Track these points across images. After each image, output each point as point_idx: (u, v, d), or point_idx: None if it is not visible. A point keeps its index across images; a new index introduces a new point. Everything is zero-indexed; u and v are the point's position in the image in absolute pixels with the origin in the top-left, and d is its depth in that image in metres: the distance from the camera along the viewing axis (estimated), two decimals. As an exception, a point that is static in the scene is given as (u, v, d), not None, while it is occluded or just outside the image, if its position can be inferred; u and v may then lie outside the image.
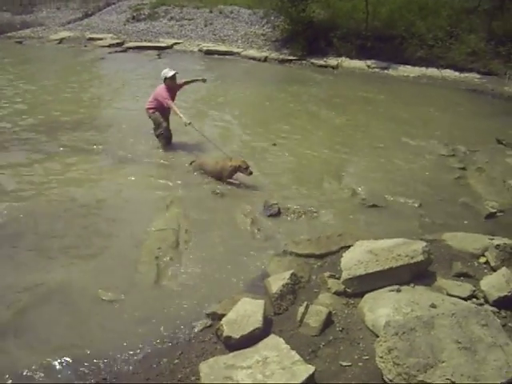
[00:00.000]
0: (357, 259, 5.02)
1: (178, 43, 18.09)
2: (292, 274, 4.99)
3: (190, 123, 7.99)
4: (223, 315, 4.49)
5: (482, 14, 15.94)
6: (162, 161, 8.27)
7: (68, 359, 4.07)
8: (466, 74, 15.00)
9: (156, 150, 8.59)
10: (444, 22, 16.32)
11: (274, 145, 9.05)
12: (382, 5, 17.14)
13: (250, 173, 7.33)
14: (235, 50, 17.14)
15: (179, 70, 14.50)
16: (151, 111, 8.53)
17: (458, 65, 15.34)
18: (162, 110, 8.47)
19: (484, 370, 3.57)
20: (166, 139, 8.60)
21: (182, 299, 4.92)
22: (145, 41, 18.51)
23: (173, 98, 8.47)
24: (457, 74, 15.07)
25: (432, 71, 15.30)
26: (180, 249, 5.79)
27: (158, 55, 16.82)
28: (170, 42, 18.16)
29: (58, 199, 6.79)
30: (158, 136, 8.63)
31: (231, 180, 7.47)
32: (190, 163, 7.89)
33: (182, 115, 8.05)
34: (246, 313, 4.38)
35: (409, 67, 15.51)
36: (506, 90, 13.93)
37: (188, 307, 4.81)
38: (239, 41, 17.89)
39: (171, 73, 8.46)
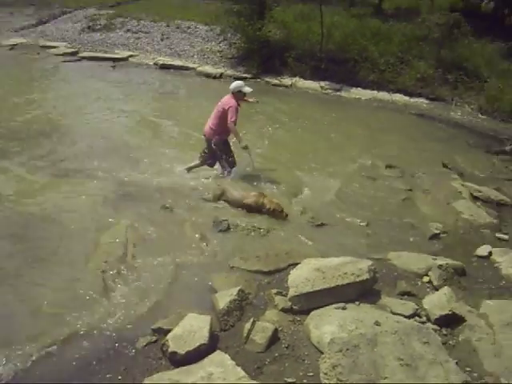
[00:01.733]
0: (304, 277, 5.08)
1: (134, 55, 17.93)
2: (239, 291, 5.00)
3: (246, 146, 7.95)
4: (169, 330, 4.45)
5: (431, 42, 16.48)
6: (113, 176, 8.09)
7: None
8: (415, 99, 15.43)
9: (107, 164, 8.45)
10: (395, 48, 16.79)
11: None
12: (337, 28, 17.50)
13: (286, 215, 7.14)
14: (191, 65, 17.09)
15: (133, 82, 14.67)
16: (216, 136, 8.15)
17: (408, 90, 15.75)
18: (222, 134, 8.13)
19: (424, 386, 3.67)
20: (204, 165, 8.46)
21: (128, 314, 4.87)
22: (100, 51, 18.26)
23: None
24: (406, 98, 15.48)
25: (383, 95, 15.65)
26: (127, 263, 5.72)
27: (113, 66, 16.63)
28: (126, 53, 17.99)
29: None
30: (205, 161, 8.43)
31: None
32: (215, 193, 7.54)
33: (240, 138, 7.91)
34: (192, 328, 4.37)
35: (361, 90, 15.82)
36: (452, 115, 14.39)
37: (134, 322, 4.77)
38: (195, 56, 17.88)
39: (248, 89, 8.08)
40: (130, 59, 17.65)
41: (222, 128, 8.00)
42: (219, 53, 18.01)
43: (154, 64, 17.13)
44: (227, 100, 8.00)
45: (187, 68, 16.87)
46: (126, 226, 6.51)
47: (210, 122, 8.19)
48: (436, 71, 15.96)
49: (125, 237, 6.19)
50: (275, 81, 16.08)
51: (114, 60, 17.29)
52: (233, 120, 7.76)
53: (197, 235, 6.39)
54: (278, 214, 7.09)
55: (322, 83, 15.95)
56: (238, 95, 8.04)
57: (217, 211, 7.10)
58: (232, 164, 8.30)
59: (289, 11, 19.26)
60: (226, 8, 17.55)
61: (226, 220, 6.68)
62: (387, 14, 20.65)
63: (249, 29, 16.28)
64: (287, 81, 16.09)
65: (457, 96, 15.43)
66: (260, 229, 6.64)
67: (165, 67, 16.88)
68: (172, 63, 17.13)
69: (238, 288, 5.03)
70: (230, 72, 16.62)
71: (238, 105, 8.03)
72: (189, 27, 19.58)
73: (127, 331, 4.64)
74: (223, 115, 7.91)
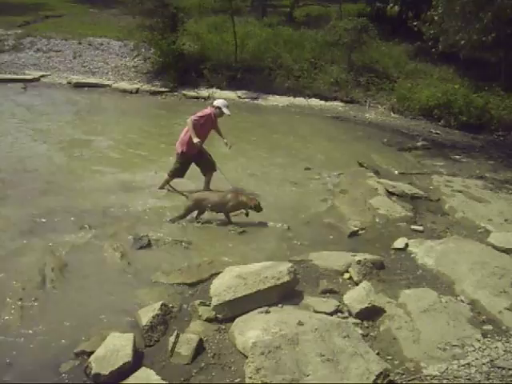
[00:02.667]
0: (226, 285, 5.11)
1: (46, 75, 17.36)
2: (162, 305, 4.97)
3: (199, 141, 7.80)
4: (93, 352, 4.34)
5: (342, 47, 17.04)
6: (32, 200, 7.67)
7: None
8: (331, 103, 15.90)
9: (23, 187, 8.08)
10: (308, 55, 17.30)
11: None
12: (250, 38, 17.76)
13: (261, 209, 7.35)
14: (106, 82, 16.78)
15: (47, 102, 14.23)
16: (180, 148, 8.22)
17: (323, 94, 16.23)
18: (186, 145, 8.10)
19: (347, 378, 3.78)
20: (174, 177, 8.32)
21: (49, 341, 4.69)
22: (9, 73, 17.62)
23: (207, 131, 8.24)
24: (322, 102, 15.92)
25: (299, 100, 16.02)
26: (46, 288, 5.52)
27: (24, 88, 16.05)
28: (37, 74, 17.40)
29: None
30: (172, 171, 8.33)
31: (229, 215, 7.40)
32: (186, 197, 7.38)
33: (194, 135, 7.79)
34: (115, 347, 4.29)
35: (277, 97, 16.11)
36: (366, 116, 14.96)
37: (55, 348, 4.60)
38: (110, 73, 17.58)
39: (227, 111, 8.18)
40: (42, 79, 17.09)
41: (188, 137, 8.00)
42: (134, 68, 17.81)
43: (68, 83, 16.66)
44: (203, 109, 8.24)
45: (102, 85, 16.53)
46: (45, 250, 6.26)
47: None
48: (348, 75, 16.59)
49: (43, 262, 5.97)
50: (192, 93, 16.06)
51: (25, 81, 16.70)
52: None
53: (117, 253, 6.24)
54: (258, 208, 7.31)
55: (239, 93, 16.13)
56: (216, 111, 8.17)
57: (137, 228, 6.98)
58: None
59: (202, 23, 19.37)
60: (138, 23, 17.41)
61: (146, 235, 6.58)
62: (299, 21, 21.21)
63: (162, 42, 16.24)
64: (204, 92, 16.10)
65: (370, 97, 16.08)
66: (181, 242, 6.60)
67: (79, 86, 16.44)
68: (86, 81, 16.74)
69: (161, 303, 4.99)
70: (146, 87, 16.48)
71: (214, 118, 8.21)
72: (101, 44, 19.25)
73: (49, 358, 4.47)
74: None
